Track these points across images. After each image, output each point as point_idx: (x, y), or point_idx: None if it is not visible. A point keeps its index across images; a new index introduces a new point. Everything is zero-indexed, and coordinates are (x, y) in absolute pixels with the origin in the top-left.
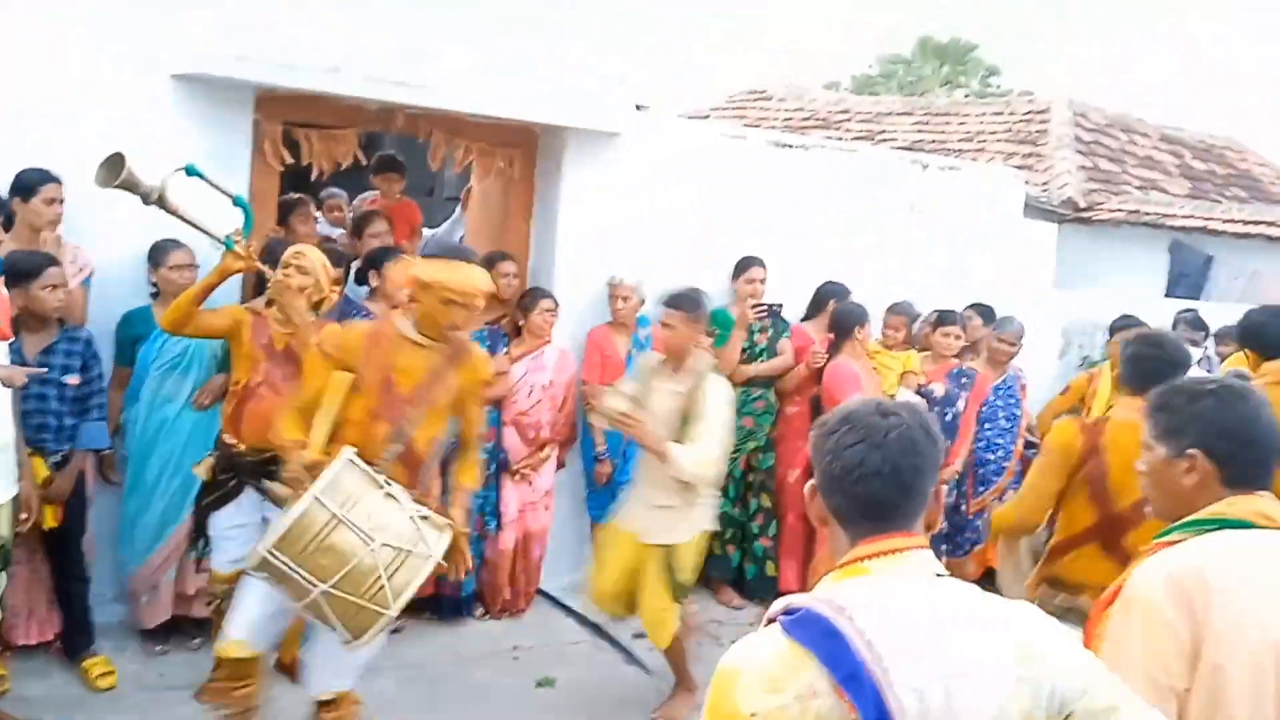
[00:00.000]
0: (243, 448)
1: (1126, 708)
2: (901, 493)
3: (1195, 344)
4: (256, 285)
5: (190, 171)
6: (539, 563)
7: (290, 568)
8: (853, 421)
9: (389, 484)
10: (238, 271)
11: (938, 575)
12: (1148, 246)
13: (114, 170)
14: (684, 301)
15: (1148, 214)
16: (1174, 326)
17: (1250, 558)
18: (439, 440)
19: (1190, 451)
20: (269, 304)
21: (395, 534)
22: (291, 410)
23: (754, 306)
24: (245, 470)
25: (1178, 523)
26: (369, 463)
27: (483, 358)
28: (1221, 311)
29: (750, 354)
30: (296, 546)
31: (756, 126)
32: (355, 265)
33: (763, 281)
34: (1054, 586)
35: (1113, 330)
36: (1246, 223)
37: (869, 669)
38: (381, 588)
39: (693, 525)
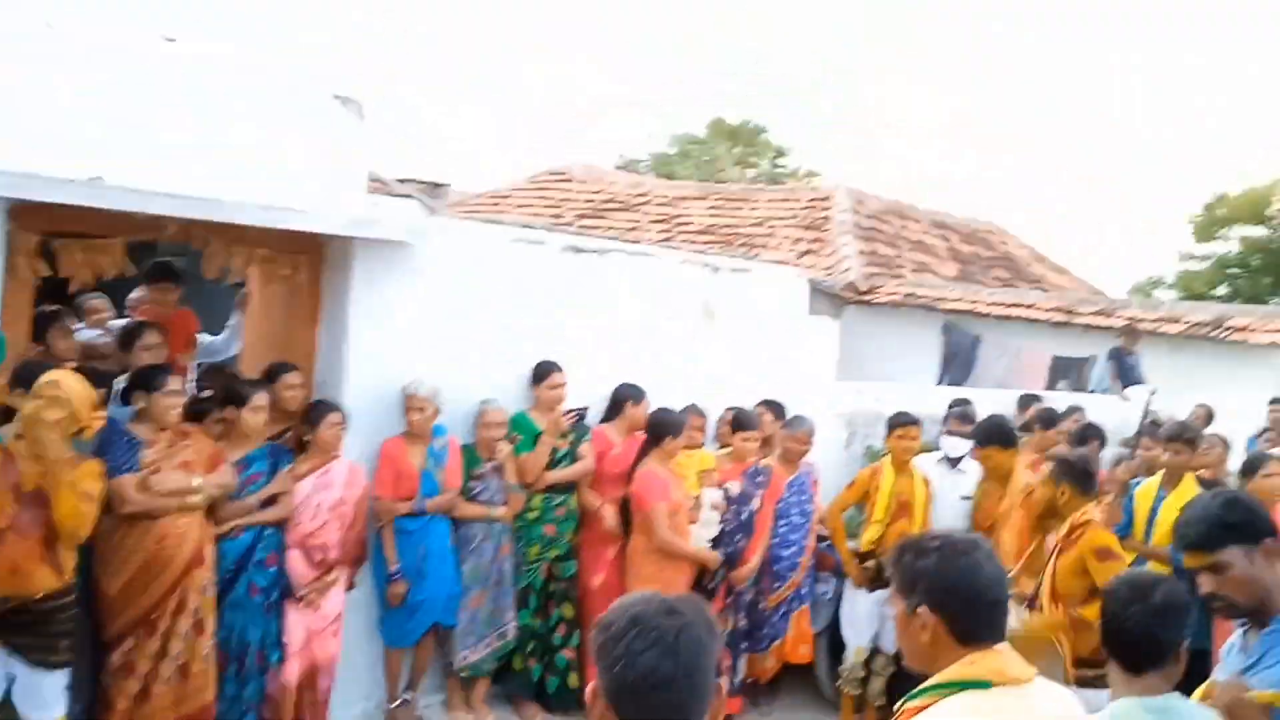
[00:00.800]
0: None
1: None
2: (694, 696)
3: (965, 436)
4: (4, 416)
5: None
6: (327, 695)
7: None
8: (640, 624)
9: None
10: None
11: None
12: (923, 326)
13: None
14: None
15: (921, 296)
16: (945, 419)
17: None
18: None
19: (919, 610)
20: (17, 437)
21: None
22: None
23: (566, 413)
24: None
25: (923, 686)
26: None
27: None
28: (986, 396)
29: (553, 459)
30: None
31: (558, 208)
32: (120, 384)
33: (564, 386)
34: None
35: (891, 426)
36: (1009, 305)
37: None
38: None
39: None
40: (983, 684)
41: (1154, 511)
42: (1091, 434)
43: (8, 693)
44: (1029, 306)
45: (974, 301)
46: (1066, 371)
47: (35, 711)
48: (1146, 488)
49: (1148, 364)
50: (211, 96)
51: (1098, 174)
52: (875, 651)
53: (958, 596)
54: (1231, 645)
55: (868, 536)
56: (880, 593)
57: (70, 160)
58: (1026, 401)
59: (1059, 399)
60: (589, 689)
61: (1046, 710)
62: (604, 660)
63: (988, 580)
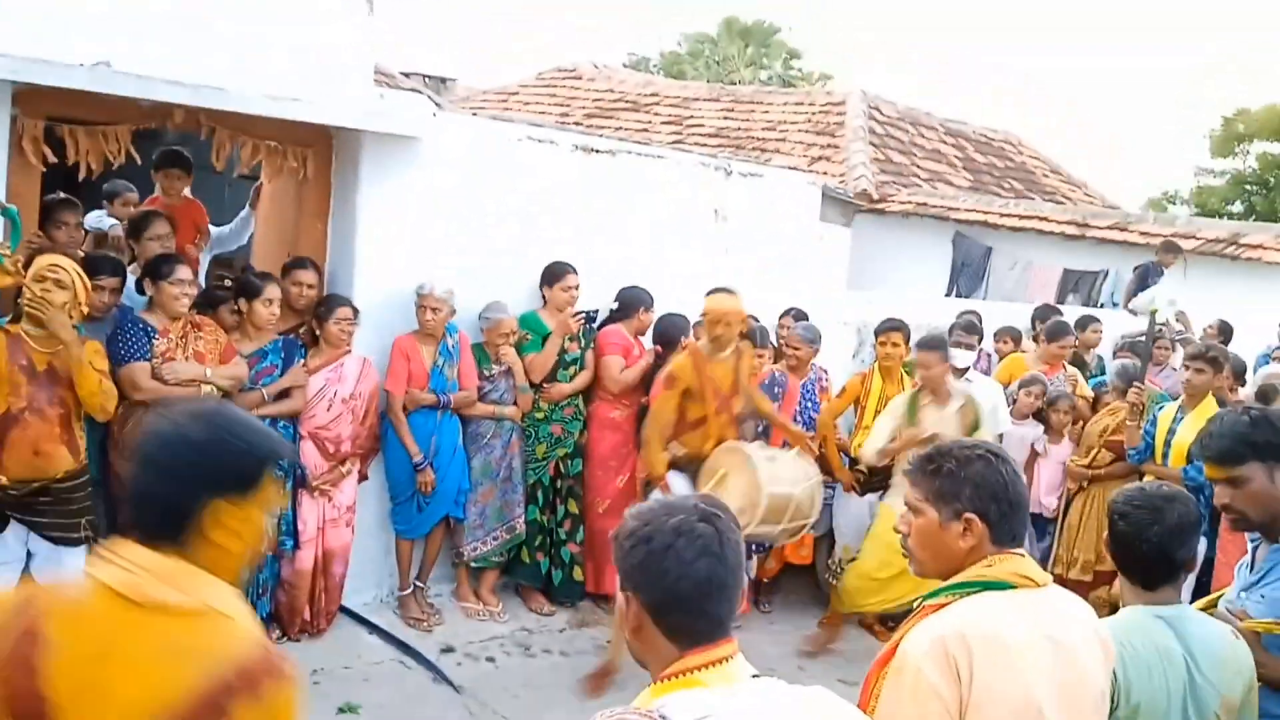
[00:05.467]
0: (5, 481)
1: None
2: (734, 601)
3: (970, 347)
4: (14, 299)
5: None
6: (341, 581)
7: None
8: (685, 533)
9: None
10: (2, 288)
11: (753, 676)
12: (934, 236)
13: None
14: (935, 343)
15: (934, 206)
16: (950, 329)
17: (1011, 619)
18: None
19: (967, 515)
20: (15, 320)
21: (793, 481)
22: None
23: (575, 314)
24: (9, 505)
25: (943, 585)
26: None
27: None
28: (997, 309)
29: (562, 360)
30: (758, 517)
31: (566, 107)
32: (134, 273)
33: (577, 289)
34: None
35: (877, 333)
36: (1021, 217)
37: None
38: (802, 508)
39: None
40: (1004, 585)
41: (1171, 432)
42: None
43: (27, 569)
44: (1042, 219)
45: (986, 212)
46: (1078, 285)
47: None
48: (1169, 411)
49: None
50: None
51: (1118, 87)
52: None
53: (1004, 502)
54: (1244, 563)
55: (858, 441)
56: (870, 496)
57: (76, 45)
58: (1044, 313)
59: (1069, 313)
60: (619, 603)
61: (1062, 611)
62: (648, 574)
63: (1023, 485)
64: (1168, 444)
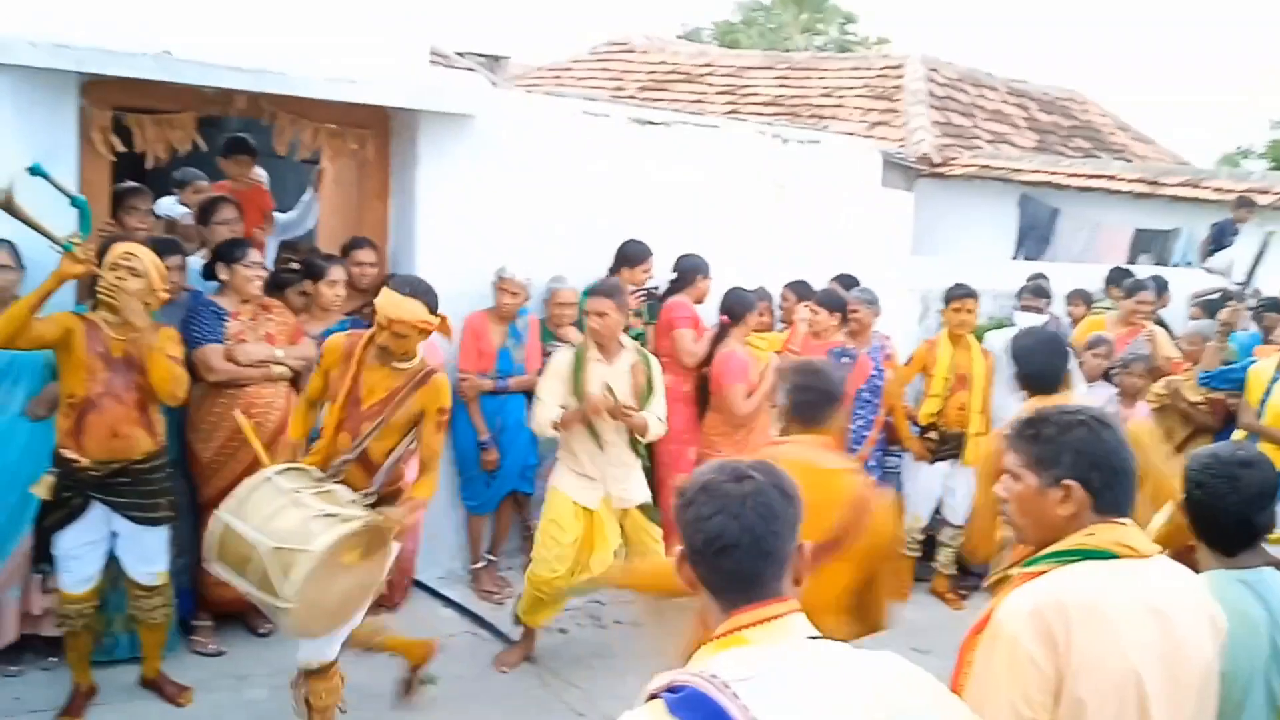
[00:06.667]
0: (86, 462)
1: None
2: (764, 561)
3: (1040, 311)
4: (90, 287)
5: (35, 171)
6: (412, 555)
7: (224, 568)
8: (709, 490)
9: (325, 486)
10: (75, 277)
11: (810, 638)
12: (999, 199)
13: None
14: (611, 289)
15: (998, 168)
16: (1019, 293)
17: (1111, 589)
18: (392, 451)
19: (1066, 482)
20: (95, 307)
21: (279, 536)
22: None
23: (634, 292)
24: (90, 485)
25: (1042, 553)
26: (325, 465)
27: (444, 384)
28: (1066, 271)
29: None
30: (226, 551)
31: (620, 80)
32: (202, 258)
33: (651, 272)
34: None
35: (947, 298)
36: (1090, 176)
37: None
38: (268, 578)
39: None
40: (1106, 554)
41: (1269, 391)
42: None
43: (112, 549)
44: (1110, 178)
45: (1053, 173)
46: (1149, 245)
47: (140, 565)
48: (1262, 366)
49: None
50: None
51: (1187, 39)
52: (943, 522)
53: (1108, 468)
54: None
55: (925, 410)
56: (941, 465)
57: (139, 35)
58: (1118, 275)
59: (1141, 273)
60: (675, 553)
61: (1168, 583)
62: (680, 526)
63: (1130, 453)
64: (1263, 403)
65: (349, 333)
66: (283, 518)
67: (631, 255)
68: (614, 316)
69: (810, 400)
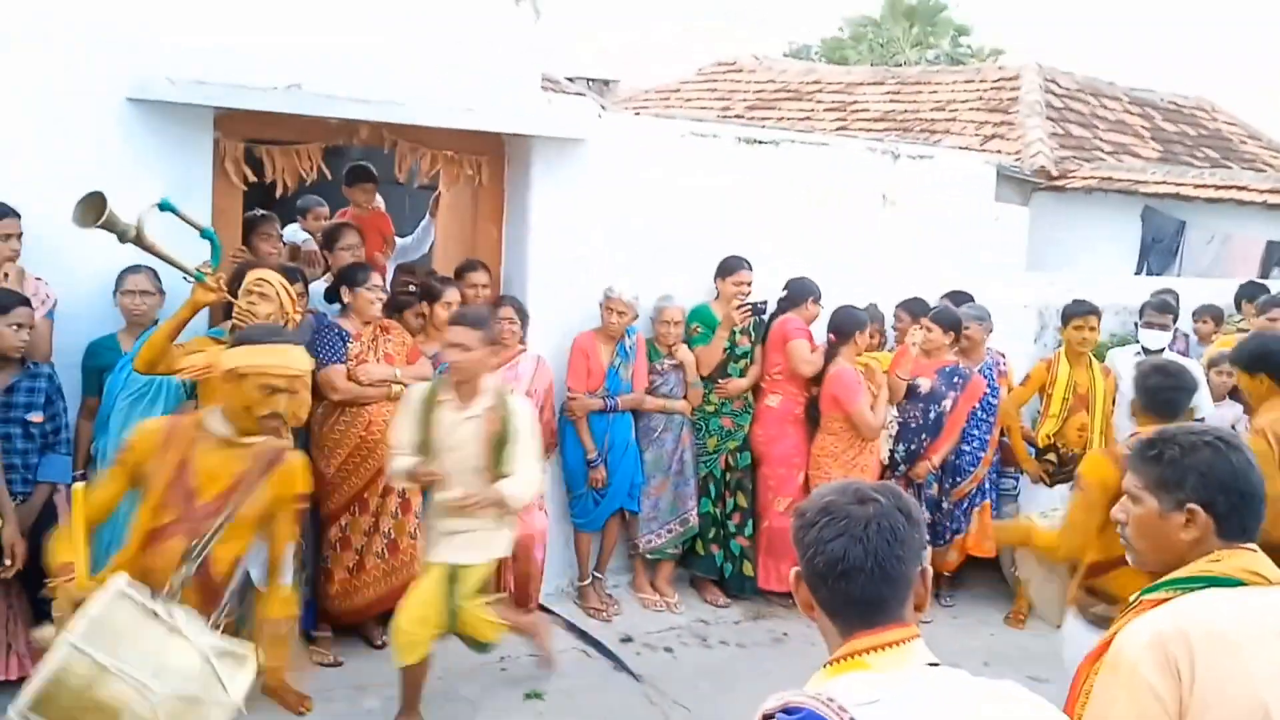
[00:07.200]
0: None
1: None
2: (888, 586)
3: (1164, 328)
4: (225, 313)
5: (164, 206)
6: (542, 565)
7: None
8: (832, 513)
9: (173, 614)
10: (207, 304)
11: (930, 665)
12: (1120, 212)
13: (93, 210)
14: (477, 319)
15: (1120, 180)
16: (1141, 312)
17: (1237, 618)
18: (242, 559)
19: (1190, 506)
20: (231, 330)
21: (181, 678)
22: (66, 527)
23: (739, 308)
24: None
25: (1164, 579)
26: (156, 587)
27: (300, 466)
28: (1194, 287)
29: (732, 354)
30: (55, 706)
31: (728, 100)
32: (324, 281)
33: (750, 285)
34: (1092, 595)
35: (1066, 316)
36: (1218, 187)
37: None
38: None
39: (493, 549)
40: (1232, 581)
41: None
42: None
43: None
44: (1241, 188)
45: (1178, 184)
46: None
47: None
48: None
49: None
50: (395, 3)
51: None
52: None
53: (1234, 492)
54: None
55: (1044, 430)
56: (1060, 487)
57: (268, 71)
58: (1250, 290)
59: (1275, 287)
60: (792, 574)
61: None
62: (799, 548)
63: (1258, 477)
64: None
65: (168, 417)
66: (174, 655)
67: (725, 267)
68: (476, 351)
69: (1169, 397)
